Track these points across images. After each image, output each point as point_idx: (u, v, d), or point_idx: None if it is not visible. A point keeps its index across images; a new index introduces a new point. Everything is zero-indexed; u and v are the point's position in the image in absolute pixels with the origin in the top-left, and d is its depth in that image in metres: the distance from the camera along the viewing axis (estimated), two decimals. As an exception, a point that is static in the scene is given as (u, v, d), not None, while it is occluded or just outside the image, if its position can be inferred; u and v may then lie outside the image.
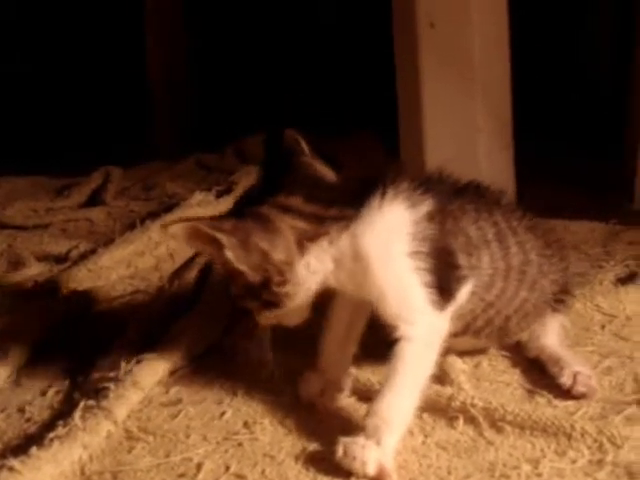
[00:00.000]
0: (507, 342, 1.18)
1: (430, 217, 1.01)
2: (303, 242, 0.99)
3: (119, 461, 1.00)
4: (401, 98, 1.95)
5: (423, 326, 0.99)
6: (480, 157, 1.89)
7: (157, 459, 1.00)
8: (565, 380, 1.08)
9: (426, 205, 1.02)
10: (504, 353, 1.20)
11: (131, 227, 1.87)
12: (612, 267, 1.53)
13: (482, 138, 1.89)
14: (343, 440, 0.94)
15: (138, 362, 1.16)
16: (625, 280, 1.44)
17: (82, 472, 0.98)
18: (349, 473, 0.92)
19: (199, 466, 0.97)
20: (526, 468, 0.91)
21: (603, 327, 1.29)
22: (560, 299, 1.18)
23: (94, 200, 2.30)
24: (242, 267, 0.98)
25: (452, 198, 1.06)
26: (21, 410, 1.16)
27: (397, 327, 0.99)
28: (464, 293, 1.04)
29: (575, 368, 1.09)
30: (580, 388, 1.06)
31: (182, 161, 2.56)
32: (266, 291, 0.99)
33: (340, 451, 0.92)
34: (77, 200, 2.29)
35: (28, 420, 1.13)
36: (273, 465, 0.96)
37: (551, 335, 1.17)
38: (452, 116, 1.88)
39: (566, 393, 1.07)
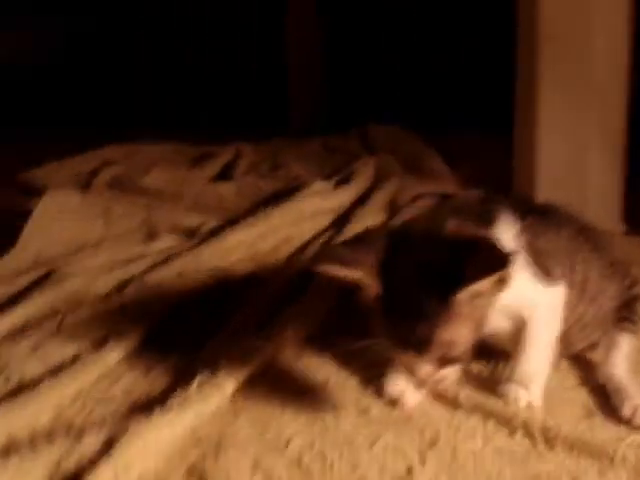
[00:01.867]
0: (569, 352, 1.29)
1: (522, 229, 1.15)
2: None
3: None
4: (518, 105, 2.03)
5: (545, 295, 1.15)
6: (590, 167, 1.96)
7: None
8: (625, 412, 1.15)
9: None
10: (575, 371, 1.30)
11: (257, 206, 2.05)
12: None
13: (593, 149, 1.96)
14: None
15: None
16: None
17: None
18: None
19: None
20: None
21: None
22: (624, 317, 1.29)
23: (225, 174, 2.50)
24: None
25: (529, 214, 1.18)
26: (149, 370, 1.33)
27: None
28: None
29: (637, 401, 1.16)
30: (638, 421, 1.13)
31: (309, 141, 2.72)
32: None
33: None
34: (210, 173, 2.49)
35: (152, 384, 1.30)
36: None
37: (620, 361, 1.26)
38: (566, 126, 1.96)
39: (625, 424, 1.14)
